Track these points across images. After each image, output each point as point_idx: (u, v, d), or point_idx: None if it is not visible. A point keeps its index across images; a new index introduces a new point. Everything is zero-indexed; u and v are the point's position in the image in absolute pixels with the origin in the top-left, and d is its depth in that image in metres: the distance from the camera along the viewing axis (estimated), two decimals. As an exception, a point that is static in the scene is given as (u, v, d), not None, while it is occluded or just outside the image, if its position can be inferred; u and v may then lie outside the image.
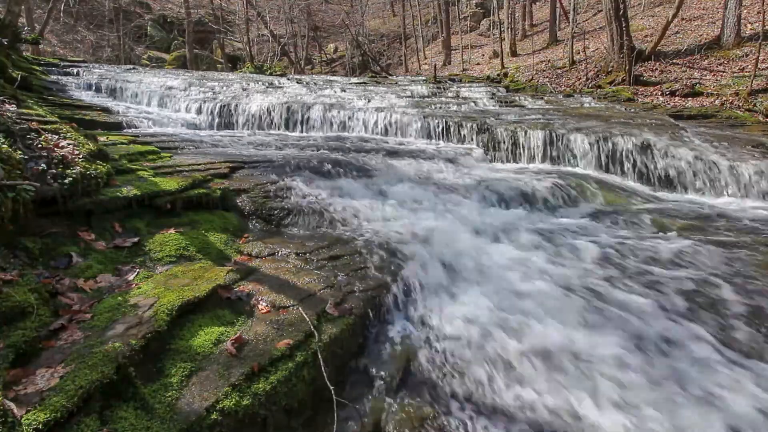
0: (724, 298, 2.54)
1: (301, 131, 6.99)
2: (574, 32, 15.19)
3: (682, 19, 14.28)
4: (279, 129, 7.02)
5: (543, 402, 1.84)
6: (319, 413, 1.79)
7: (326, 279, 2.37)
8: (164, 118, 6.58)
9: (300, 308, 2.06)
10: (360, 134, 6.78)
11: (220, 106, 7.07)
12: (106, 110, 6.14)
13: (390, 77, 17.13)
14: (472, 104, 9.09)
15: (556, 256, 3.05)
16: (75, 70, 9.22)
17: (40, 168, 2.35)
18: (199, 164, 3.65)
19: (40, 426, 1.26)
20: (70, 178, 2.41)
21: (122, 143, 4.08)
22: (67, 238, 2.32)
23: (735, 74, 10.21)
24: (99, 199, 2.58)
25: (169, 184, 3.00)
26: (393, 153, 5.23)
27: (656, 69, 11.71)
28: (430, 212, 3.63)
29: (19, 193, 2.08)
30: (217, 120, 6.96)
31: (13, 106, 3.25)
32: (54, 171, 2.39)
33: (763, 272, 2.82)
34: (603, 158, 5.58)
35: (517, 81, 14.12)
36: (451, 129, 6.48)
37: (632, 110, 8.59)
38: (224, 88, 8.72)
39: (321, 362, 1.83)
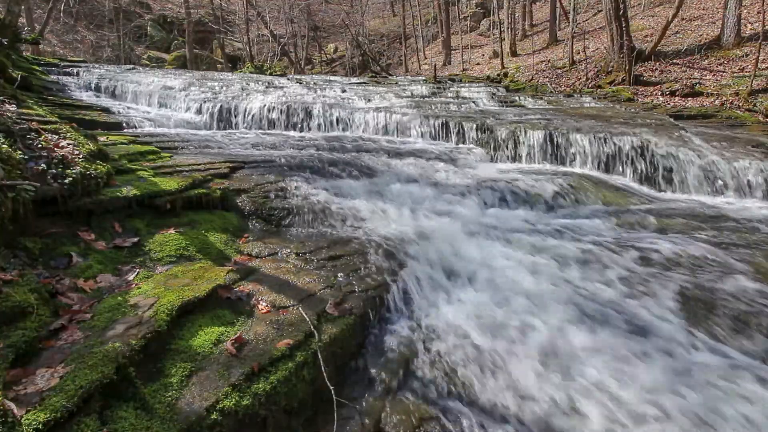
0: (722, 298, 2.54)
1: (301, 131, 6.99)
2: (574, 32, 15.19)
3: (682, 19, 14.28)
4: (279, 129, 7.02)
5: (542, 402, 1.84)
6: (319, 413, 1.79)
7: (326, 279, 2.37)
8: (164, 118, 6.57)
9: (300, 308, 2.06)
10: (360, 134, 6.78)
11: (220, 106, 7.06)
12: (106, 110, 6.14)
13: (390, 77, 17.13)
14: (472, 104, 9.09)
15: (555, 257, 3.04)
16: (75, 70, 9.21)
17: (40, 168, 2.35)
18: (199, 164, 3.65)
19: (40, 426, 1.26)
20: (70, 178, 2.41)
21: (122, 143, 4.08)
22: (67, 238, 2.32)
23: (735, 74, 10.21)
24: (99, 199, 2.58)
25: (169, 184, 3.00)
26: (393, 153, 5.23)
27: (656, 69, 11.71)
28: (430, 212, 3.63)
29: (19, 193, 2.08)
30: (217, 120, 6.96)
31: (13, 106, 3.25)
32: (54, 171, 2.39)
33: (762, 272, 2.81)
34: (603, 158, 5.58)
35: (517, 81, 14.12)
36: (451, 129, 6.48)
37: (632, 110, 8.59)
38: (224, 88, 8.72)
39: (321, 362, 1.83)
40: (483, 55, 23.07)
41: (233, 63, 28.44)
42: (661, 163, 5.31)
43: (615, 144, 5.56)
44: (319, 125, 7.02)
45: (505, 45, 20.14)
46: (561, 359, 2.06)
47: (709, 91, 9.77)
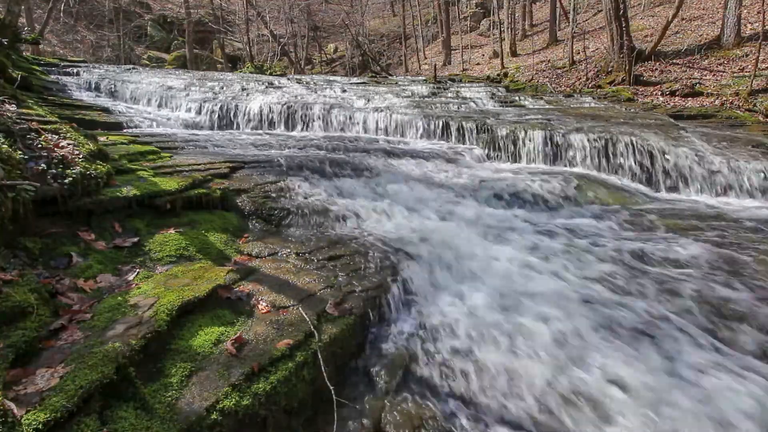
0: (720, 298, 2.54)
1: (301, 131, 6.99)
2: (574, 32, 15.19)
3: (682, 19, 14.28)
4: (279, 129, 7.02)
5: (541, 402, 1.84)
6: (319, 413, 1.79)
7: (326, 279, 2.37)
8: (164, 118, 6.58)
9: (300, 308, 2.06)
10: (360, 134, 6.78)
11: (220, 106, 7.07)
12: (106, 110, 6.15)
13: (390, 77, 17.14)
14: (472, 104, 9.10)
15: (555, 257, 3.05)
16: (75, 70, 9.22)
17: (40, 168, 2.35)
18: (199, 164, 3.65)
19: (40, 426, 1.26)
20: (70, 178, 2.41)
21: (122, 143, 4.08)
22: (67, 238, 2.32)
23: (735, 74, 10.21)
24: (99, 199, 2.58)
25: (169, 184, 3.00)
26: (393, 153, 5.23)
27: (656, 69, 11.71)
28: (430, 212, 3.63)
29: (19, 193, 2.08)
30: (217, 120, 6.96)
31: (13, 106, 3.25)
32: (54, 171, 2.39)
33: (761, 272, 2.82)
34: (603, 158, 5.58)
35: (517, 81, 14.12)
36: (451, 129, 6.48)
37: (632, 110, 8.59)
38: (224, 88, 8.72)
39: (321, 362, 1.83)
40: (483, 55, 23.07)
41: (233, 63, 28.44)
42: (660, 163, 5.31)
43: (615, 144, 5.56)
44: (319, 125, 7.02)
45: (505, 45, 20.14)
46: (561, 359, 2.06)
47: (709, 91, 9.77)
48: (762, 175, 4.90)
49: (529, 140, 5.88)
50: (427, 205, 3.80)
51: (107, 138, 4.20)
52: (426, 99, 9.48)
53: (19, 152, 2.34)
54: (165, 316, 1.80)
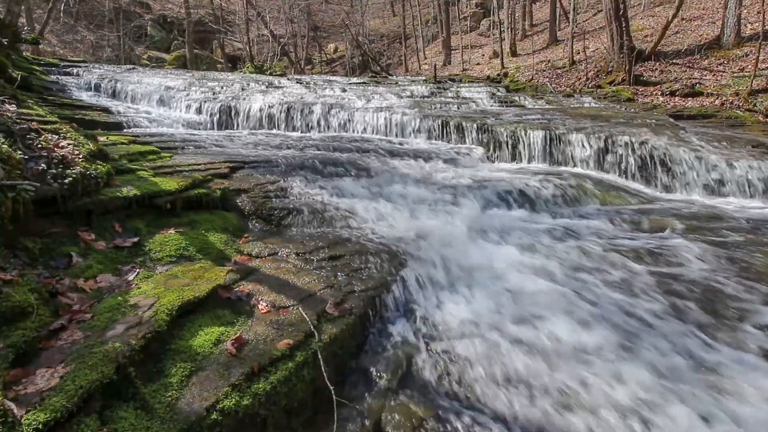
0: (720, 298, 2.54)
1: (301, 131, 6.99)
2: (574, 32, 15.20)
3: (682, 19, 14.28)
4: (279, 129, 7.02)
5: (540, 404, 1.84)
6: (319, 413, 1.79)
7: (326, 279, 2.37)
8: (164, 118, 6.58)
9: (300, 308, 2.06)
10: (360, 134, 6.78)
11: (220, 106, 7.07)
12: (106, 110, 6.14)
13: (390, 77, 17.13)
14: (472, 104, 9.10)
15: (555, 257, 3.05)
16: (75, 70, 9.21)
17: (40, 168, 2.35)
18: (199, 164, 3.65)
19: (40, 426, 1.26)
20: (70, 178, 2.41)
21: (122, 143, 4.08)
22: (67, 238, 2.32)
23: (735, 74, 10.21)
24: (99, 199, 2.58)
25: (169, 184, 3.00)
26: (393, 153, 5.23)
27: (656, 69, 11.72)
28: (430, 212, 3.63)
29: (19, 193, 2.08)
30: (217, 120, 6.96)
31: (13, 106, 3.25)
32: (54, 171, 2.39)
33: (761, 272, 2.82)
34: (603, 158, 5.58)
35: (517, 81, 14.12)
36: (451, 129, 6.48)
37: (632, 110, 8.59)
38: (224, 88, 8.72)
39: (321, 362, 1.83)
40: (483, 55, 23.06)
41: (233, 63, 28.43)
42: (660, 164, 5.31)
43: (615, 144, 5.56)
44: (319, 125, 7.02)
45: (505, 45, 20.14)
46: (560, 360, 2.06)
47: (709, 91, 9.78)
48: (762, 174, 4.90)
49: (529, 140, 5.88)
50: (426, 205, 3.79)
51: (107, 138, 4.20)
52: (426, 99, 9.48)
53: (19, 152, 2.34)
54: (165, 316, 1.80)
